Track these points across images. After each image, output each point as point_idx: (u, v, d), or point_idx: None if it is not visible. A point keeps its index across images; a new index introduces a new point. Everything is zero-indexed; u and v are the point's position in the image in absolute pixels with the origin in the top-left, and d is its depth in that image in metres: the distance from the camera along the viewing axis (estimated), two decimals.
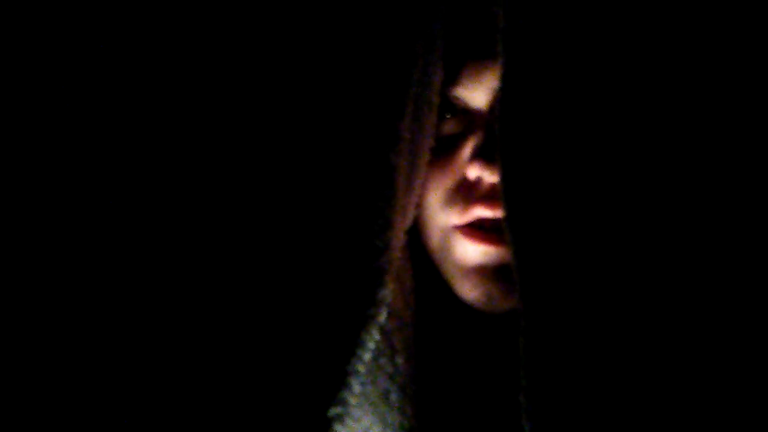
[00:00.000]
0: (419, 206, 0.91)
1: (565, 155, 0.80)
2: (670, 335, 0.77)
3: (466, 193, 0.88)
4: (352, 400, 0.84)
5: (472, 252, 0.88)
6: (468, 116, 0.90)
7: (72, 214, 0.86)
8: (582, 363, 0.76)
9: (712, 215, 0.80)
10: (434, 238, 0.92)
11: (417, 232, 0.95)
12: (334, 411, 0.84)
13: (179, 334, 0.84)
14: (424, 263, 0.95)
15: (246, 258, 0.85)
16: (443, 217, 0.90)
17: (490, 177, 0.85)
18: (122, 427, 0.83)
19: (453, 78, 0.90)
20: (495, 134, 0.82)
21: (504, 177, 0.80)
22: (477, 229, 0.88)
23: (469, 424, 0.91)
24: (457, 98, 0.90)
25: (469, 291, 0.90)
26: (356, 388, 0.84)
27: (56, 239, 0.87)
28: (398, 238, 0.87)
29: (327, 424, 0.84)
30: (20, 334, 0.85)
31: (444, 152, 0.90)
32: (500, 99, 0.81)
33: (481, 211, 0.87)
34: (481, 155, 0.86)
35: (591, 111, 0.81)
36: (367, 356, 0.85)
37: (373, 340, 0.85)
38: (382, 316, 0.86)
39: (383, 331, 0.90)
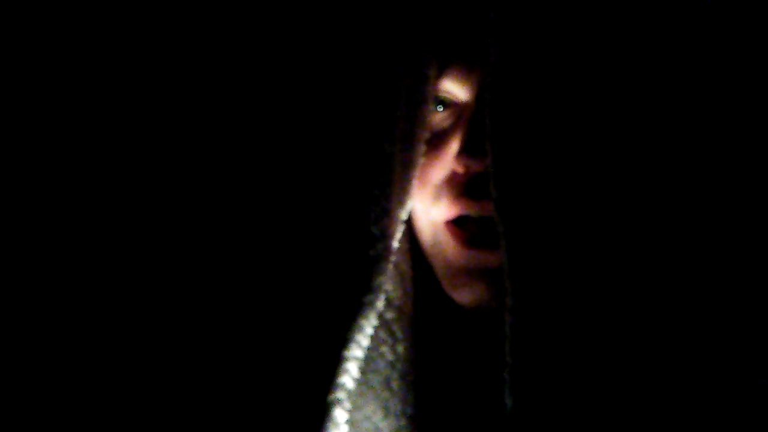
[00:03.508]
0: (413, 201, 0.92)
1: (554, 150, 0.82)
2: (654, 333, 0.79)
3: (452, 186, 0.89)
4: (352, 386, 0.86)
5: (460, 255, 0.89)
6: (457, 110, 0.91)
7: (71, 214, 0.89)
8: (565, 359, 0.78)
9: (696, 217, 0.81)
10: (425, 233, 0.93)
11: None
12: (333, 396, 0.86)
13: (178, 326, 0.86)
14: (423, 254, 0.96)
15: (244, 247, 0.87)
16: (432, 211, 0.91)
17: (476, 170, 0.86)
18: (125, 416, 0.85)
19: (444, 72, 0.91)
20: (482, 128, 0.83)
21: (495, 171, 0.81)
22: (464, 231, 0.89)
23: (467, 412, 0.92)
24: (447, 92, 0.91)
25: (455, 291, 0.91)
26: (355, 373, 0.86)
27: (56, 239, 0.89)
28: (396, 227, 0.89)
29: (327, 409, 0.85)
30: (20, 334, 0.87)
31: (434, 146, 0.91)
32: (490, 94, 0.82)
33: (467, 206, 0.88)
34: (467, 149, 0.87)
35: (578, 107, 0.82)
36: (365, 342, 0.87)
37: (371, 326, 0.87)
38: (380, 303, 0.88)
39: (384, 319, 0.92)
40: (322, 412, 0.85)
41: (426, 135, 0.91)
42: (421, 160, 0.90)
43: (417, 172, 0.90)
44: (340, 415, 0.85)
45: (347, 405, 0.85)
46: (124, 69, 0.90)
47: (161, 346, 0.86)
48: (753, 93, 0.85)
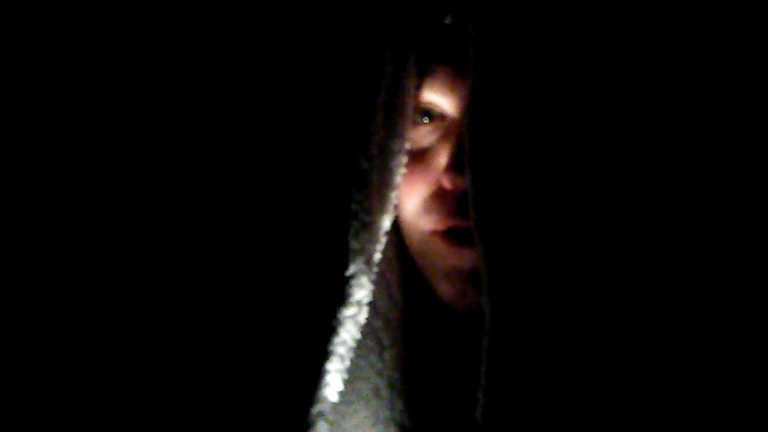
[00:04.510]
0: (399, 210, 0.92)
1: (533, 165, 0.81)
2: (627, 340, 0.78)
3: (441, 202, 0.89)
4: (335, 399, 0.87)
5: (449, 255, 0.90)
6: (444, 123, 0.90)
7: (63, 213, 0.90)
8: (543, 367, 0.78)
9: (677, 224, 0.80)
10: (414, 242, 0.93)
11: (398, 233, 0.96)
12: (316, 409, 0.87)
13: (160, 335, 0.88)
14: (411, 262, 0.97)
15: (225, 262, 0.88)
16: (421, 223, 0.91)
17: (462, 186, 0.86)
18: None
19: (429, 84, 0.90)
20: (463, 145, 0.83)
21: (473, 185, 0.81)
22: (453, 234, 0.89)
23: (456, 419, 0.93)
24: (432, 104, 0.91)
25: (446, 291, 0.91)
26: (339, 386, 0.87)
27: (55, 239, 0.91)
28: (377, 240, 0.89)
29: (310, 422, 0.87)
30: (20, 334, 0.89)
31: (421, 158, 0.91)
32: (469, 109, 0.82)
33: (456, 222, 0.88)
34: (454, 165, 0.87)
35: (557, 123, 0.81)
36: (348, 355, 0.88)
37: (353, 339, 0.88)
38: (362, 316, 0.88)
39: (371, 327, 0.93)
40: (306, 425, 0.87)
41: (406, 147, 0.90)
42: (403, 172, 0.90)
43: (398, 185, 0.90)
44: (323, 427, 0.87)
45: (331, 417, 0.87)
46: (107, 66, 0.91)
47: (139, 358, 0.88)
48: (737, 91, 0.83)
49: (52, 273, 0.92)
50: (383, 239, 0.90)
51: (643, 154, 0.81)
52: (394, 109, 0.89)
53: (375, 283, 0.89)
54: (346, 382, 0.88)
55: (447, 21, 0.89)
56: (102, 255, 0.89)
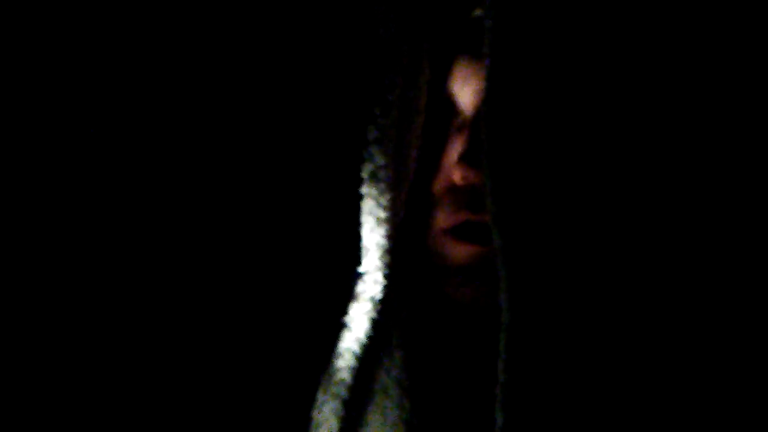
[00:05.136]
0: (410, 205, 0.92)
1: (549, 158, 0.81)
2: (645, 336, 0.78)
3: (453, 197, 0.88)
4: (347, 396, 0.87)
5: (459, 252, 0.89)
6: (458, 116, 0.90)
7: (65, 213, 0.89)
8: (560, 361, 0.78)
9: (693, 219, 0.80)
10: (424, 238, 0.93)
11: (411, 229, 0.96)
12: (327, 405, 0.87)
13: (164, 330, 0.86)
14: (421, 258, 0.96)
15: (236, 255, 0.87)
16: (433, 218, 0.91)
17: (475, 181, 0.85)
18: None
19: (444, 77, 0.90)
20: (480, 137, 0.82)
21: (491, 178, 0.81)
22: (463, 232, 0.89)
23: (464, 417, 0.92)
24: (447, 97, 0.90)
25: (455, 289, 0.91)
26: (349, 381, 0.87)
27: (55, 239, 0.90)
28: (390, 236, 0.89)
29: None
30: (20, 334, 0.88)
31: (434, 153, 0.90)
32: (485, 102, 0.81)
33: (467, 216, 0.88)
34: (466, 159, 0.86)
35: (574, 114, 0.81)
36: (359, 351, 0.87)
37: (366, 335, 0.87)
38: (374, 312, 0.88)
39: (380, 326, 0.92)
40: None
41: (419, 141, 0.90)
42: (414, 167, 0.90)
43: (411, 181, 0.90)
44: (334, 425, 0.86)
45: (342, 414, 0.86)
46: (107, 66, 0.90)
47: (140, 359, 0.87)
48: (751, 93, 0.84)
49: (52, 273, 0.91)
50: (396, 236, 0.90)
51: (659, 146, 0.81)
52: (410, 102, 0.88)
53: (387, 279, 0.89)
54: (358, 380, 0.87)
55: (476, 13, 0.88)
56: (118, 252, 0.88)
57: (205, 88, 0.89)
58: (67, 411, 0.89)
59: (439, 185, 0.90)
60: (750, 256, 0.82)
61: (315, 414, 0.89)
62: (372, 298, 0.87)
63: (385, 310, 0.91)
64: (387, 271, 0.88)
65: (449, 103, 0.91)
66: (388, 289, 0.90)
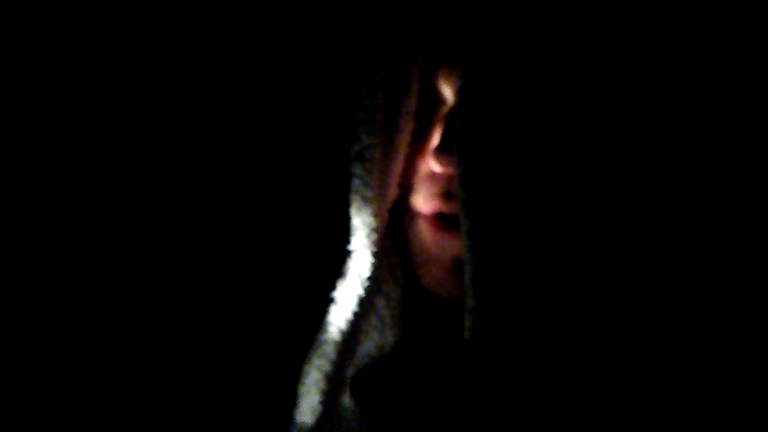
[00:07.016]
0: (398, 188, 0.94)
1: (520, 147, 0.82)
2: (610, 328, 0.79)
3: (429, 183, 0.90)
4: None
5: (431, 241, 0.90)
6: (442, 107, 0.92)
7: (66, 213, 0.92)
8: (525, 346, 0.79)
9: (659, 214, 0.81)
10: (404, 221, 0.94)
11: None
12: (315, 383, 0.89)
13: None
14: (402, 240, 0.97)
15: (227, 242, 0.90)
16: (410, 202, 0.92)
17: (449, 170, 0.87)
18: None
19: (432, 67, 0.92)
20: (454, 128, 0.84)
21: (461, 164, 0.82)
22: (438, 220, 0.90)
23: (452, 401, 0.94)
24: (433, 87, 0.92)
25: (424, 276, 0.92)
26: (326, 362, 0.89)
27: (55, 239, 0.93)
28: (379, 217, 0.91)
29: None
30: (19, 334, 0.91)
31: (417, 140, 0.92)
32: (460, 95, 0.83)
33: (440, 205, 0.89)
34: (441, 147, 0.88)
35: (552, 107, 0.82)
36: (348, 328, 0.89)
37: (353, 312, 0.90)
38: (364, 292, 0.90)
39: (374, 306, 0.94)
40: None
41: (408, 127, 0.92)
42: (404, 151, 0.92)
43: (400, 163, 0.92)
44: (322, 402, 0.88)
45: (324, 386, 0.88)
46: (107, 66, 0.93)
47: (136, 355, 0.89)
48: (731, 92, 0.84)
49: (51, 273, 0.93)
50: (385, 215, 0.92)
51: (633, 143, 0.82)
52: (398, 86, 0.90)
53: (377, 260, 0.91)
54: (342, 355, 0.89)
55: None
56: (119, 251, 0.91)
57: (194, 77, 0.92)
58: (66, 411, 0.92)
59: (419, 171, 0.91)
60: (729, 251, 0.82)
61: (299, 386, 0.91)
62: (359, 276, 0.89)
63: (376, 290, 0.93)
64: (374, 250, 0.90)
65: (436, 91, 0.92)
66: (378, 271, 0.92)
